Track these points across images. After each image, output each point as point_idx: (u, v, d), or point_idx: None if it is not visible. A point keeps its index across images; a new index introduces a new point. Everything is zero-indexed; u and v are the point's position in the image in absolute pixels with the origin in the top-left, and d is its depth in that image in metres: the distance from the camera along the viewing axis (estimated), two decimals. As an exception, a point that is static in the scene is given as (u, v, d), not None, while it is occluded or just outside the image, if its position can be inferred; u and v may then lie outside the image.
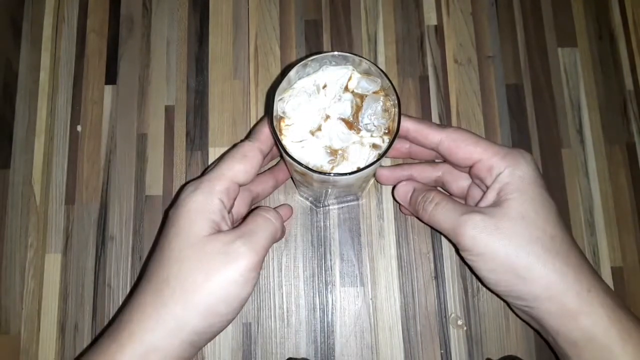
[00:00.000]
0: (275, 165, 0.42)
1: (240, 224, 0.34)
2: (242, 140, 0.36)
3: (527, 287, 0.32)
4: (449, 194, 0.40)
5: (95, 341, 0.33)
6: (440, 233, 0.38)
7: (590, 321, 0.31)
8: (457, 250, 0.35)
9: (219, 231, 0.32)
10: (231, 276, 0.30)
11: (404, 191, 0.39)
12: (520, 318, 0.37)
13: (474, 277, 0.42)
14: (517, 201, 0.32)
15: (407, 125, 0.36)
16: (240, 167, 0.34)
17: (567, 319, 0.31)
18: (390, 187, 0.43)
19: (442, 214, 0.34)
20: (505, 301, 0.36)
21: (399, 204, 0.41)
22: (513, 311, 0.38)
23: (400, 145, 0.39)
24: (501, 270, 0.32)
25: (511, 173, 0.33)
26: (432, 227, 0.38)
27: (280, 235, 0.35)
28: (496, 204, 0.33)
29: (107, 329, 0.32)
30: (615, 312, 0.31)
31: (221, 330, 0.33)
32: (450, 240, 0.36)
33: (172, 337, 0.30)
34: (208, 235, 0.32)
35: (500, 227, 0.32)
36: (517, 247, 0.31)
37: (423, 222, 0.37)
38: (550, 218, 0.32)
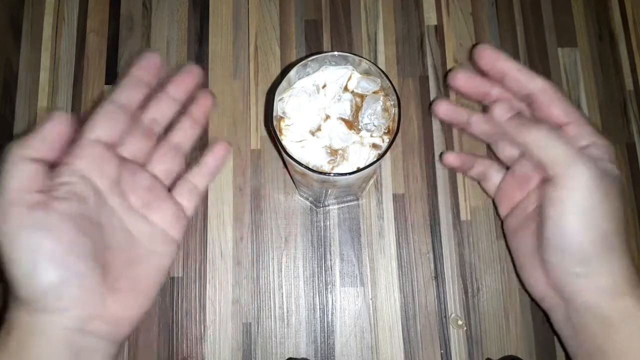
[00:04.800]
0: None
1: None
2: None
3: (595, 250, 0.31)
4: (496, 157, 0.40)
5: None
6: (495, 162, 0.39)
7: (633, 302, 0.31)
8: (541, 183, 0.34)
9: None
10: None
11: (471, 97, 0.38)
12: (526, 291, 0.37)
13: (474, 277, 0.42)
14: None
15: (509, 65, 0.35)
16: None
17: (611, 295, 0.31)
18: (389, 187, 0.43)
19: (551, 139, 0.32)
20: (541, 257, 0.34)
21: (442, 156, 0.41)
22: (523, 287, 0.38)
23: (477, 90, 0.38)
24: (589, 220, 0.31)
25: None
26: (493, 153, 0.40)
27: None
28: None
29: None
30: None
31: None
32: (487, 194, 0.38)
33: None
34: None
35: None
36: (606, 215, 0.31)
37: (494, 151, 0.39)
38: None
